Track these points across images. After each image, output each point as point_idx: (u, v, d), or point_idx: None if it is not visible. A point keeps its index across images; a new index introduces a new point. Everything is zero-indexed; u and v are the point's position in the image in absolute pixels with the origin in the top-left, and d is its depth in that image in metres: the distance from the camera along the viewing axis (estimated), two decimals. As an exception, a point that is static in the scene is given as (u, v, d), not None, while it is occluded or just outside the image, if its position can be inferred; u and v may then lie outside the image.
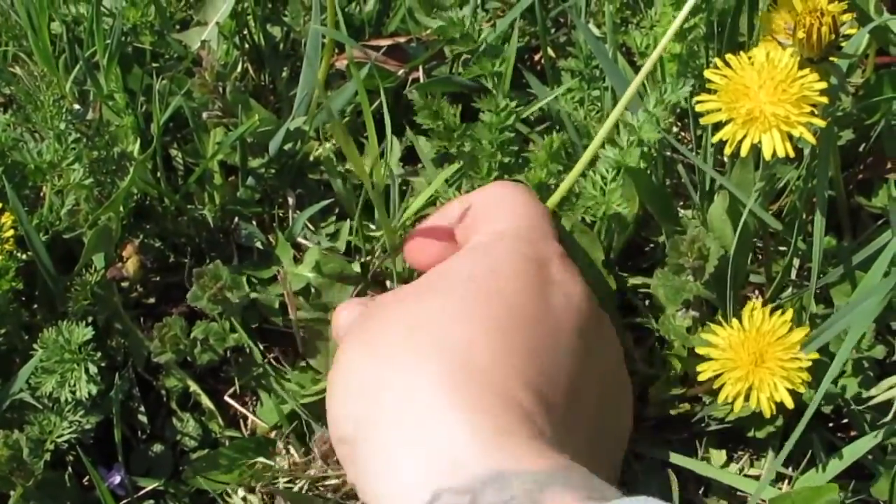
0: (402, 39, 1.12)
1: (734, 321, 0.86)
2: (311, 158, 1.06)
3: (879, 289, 0.82)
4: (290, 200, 1.03)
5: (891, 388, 0.77)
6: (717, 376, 0.84)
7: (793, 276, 0.98)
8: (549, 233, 0.85)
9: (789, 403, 0.82)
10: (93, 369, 0.87)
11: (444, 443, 0.67)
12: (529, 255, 0.81)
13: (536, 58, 1.16)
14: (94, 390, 0.88)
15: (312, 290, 0.97)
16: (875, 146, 1.02)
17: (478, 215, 0.85)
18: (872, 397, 0.80)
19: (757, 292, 0.99)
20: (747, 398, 0.82)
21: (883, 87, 0.99)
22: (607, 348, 0.86)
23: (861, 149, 1.04)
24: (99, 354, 0.88)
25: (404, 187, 1.04)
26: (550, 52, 1.13)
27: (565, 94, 1.05)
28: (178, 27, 1.13)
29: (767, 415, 0.83)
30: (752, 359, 0.83)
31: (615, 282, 0.97)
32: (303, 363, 0.99)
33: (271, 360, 1.00)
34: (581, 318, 0.80)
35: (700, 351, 0.86)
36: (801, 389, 0.83)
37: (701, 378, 0.85)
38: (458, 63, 1.12)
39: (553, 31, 1.14)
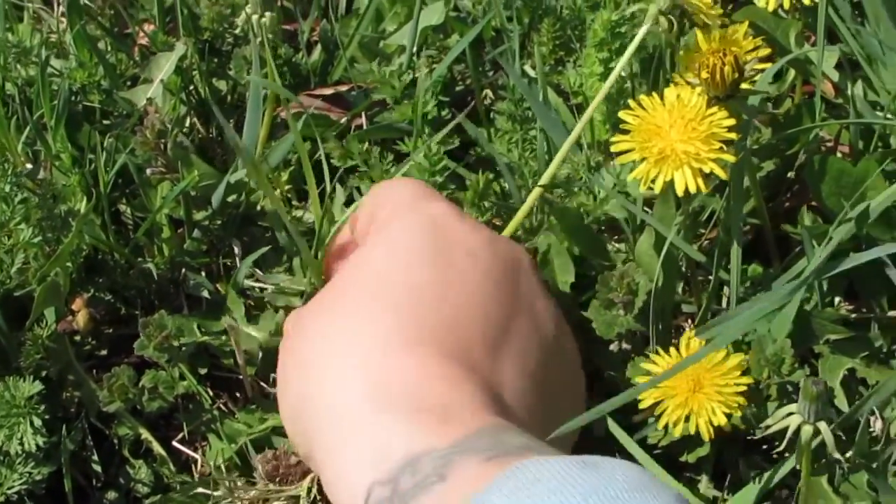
0: (344, 88, 1.15)
1: (672, 350, 0.89)
2: (259, 207, 1.09)
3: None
4: (237, 250, 1.06)
5: (787, 415, 0.80)
6: (657, 404, 0.88)
7: (723, 305, 1.00)
8: (432, 194, 0.88)
9: (727, 427, 0.86)
10: (37, 422, 0.90)
11: (367, 435, 0.70)
12: (420, 222, 0.84)
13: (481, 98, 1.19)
14: (41, 442, 0.91)
15: (257, 343, 1.00)
16: (799, 175, 1.05)
17: (373, 213, 0.89)
18: (769, 426, 0.83)
19: (690, 321, 1.02)
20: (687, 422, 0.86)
21: (802, 117, 1.02)
22: (537, 302, 0.87)
23: (789, 177, 1.07)
24: (43, 408, 0.91)
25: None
26: (492, 94, 1.16)
27: (501, 136, 1.08)
28: (129, 84, 1.17)
29: (706, 438, 0.87)
30: (691, 386, 0.87)
31: (578, 308, 1.00)
32: (252, 405, 1.02)
33: (221, 405, 1.03)
34: (492, 268, 0.83)
35: (639, 380, 0.89)
36: (738, 413, 0.87)
37: (642, 406, 0.89)
38: (399, 108, 1.15)
39: (491, 73, 1.17)
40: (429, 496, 0.63)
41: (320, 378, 0.76)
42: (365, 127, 1.13)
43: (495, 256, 0.84)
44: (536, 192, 0.95)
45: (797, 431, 0.82)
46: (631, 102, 0.89)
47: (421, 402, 0.71)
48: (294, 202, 1.10)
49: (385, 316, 0.77)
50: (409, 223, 0.84)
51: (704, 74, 0.87)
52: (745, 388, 0.87)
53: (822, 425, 0.79)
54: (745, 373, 0.89)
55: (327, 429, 0.73)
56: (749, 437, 0.91)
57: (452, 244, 0.82)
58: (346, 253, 0.91)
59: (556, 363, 0.86)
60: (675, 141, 0.86)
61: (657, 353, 0.92)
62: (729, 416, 0.87)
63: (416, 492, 0.64)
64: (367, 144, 1.09)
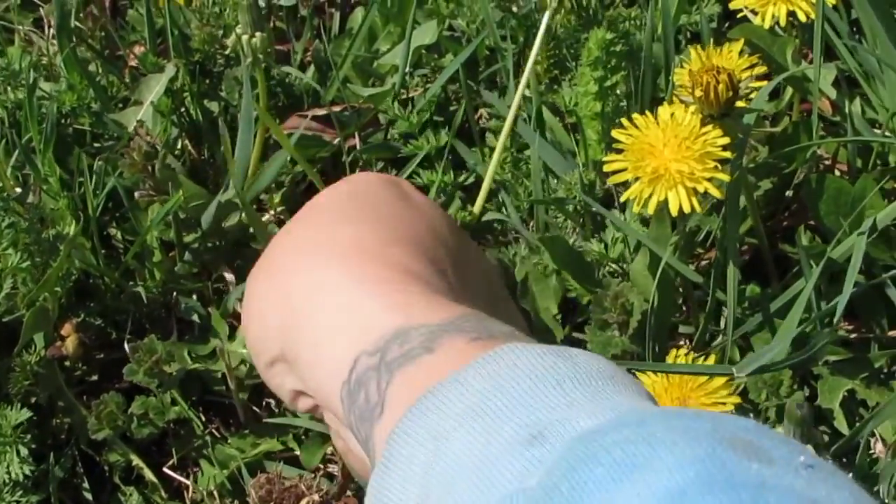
0: (337, 108, 1.14)
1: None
2: (251, 230, 1.08)
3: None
4: (228, 276, 1.05)
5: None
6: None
7: (722, 326, 0.99)
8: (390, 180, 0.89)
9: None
10: (24, 451, 0.89)
11: (358, 315, 0.71)
12: (382, 181, 0.86)
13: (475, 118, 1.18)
14: (28, 471, 0.90)
15: (248, 364, 0.99)
16: (797, 194, 1.04)
17: None
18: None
19: (688, 342, 1.00)
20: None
21: (799, 135, 1.01)
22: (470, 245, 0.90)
23: (787, 195, 1.05)
24: (30, 437, 0.90)
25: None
26: (486, 113, 1.15)
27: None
28: (120, 106, 1.16)
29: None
30: (677, 406, 0.85)
31: (562, 331, 0.99)
32: (245, 430, 1.01)
33: (213, 430, 1.02)
34: (440, 216, 0.85)
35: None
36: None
37: None
38: (392, 128, 1.14)
39: (487, 92, 1.16)
40: (415, 366, 0.65)
41: (302, 272, 0.77)
42: (358, 147, 1.12)
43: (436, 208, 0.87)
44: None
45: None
46: (624, 121, 0.88)
47: (407, 286, 0.73)
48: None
49: (361, 222, 0.79)
50: (371, 182, 0.86)
51: (698, 93, 0.86)
52: (732, 408, 0.85)
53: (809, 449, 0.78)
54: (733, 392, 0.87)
55: (311, 314, 0.74)
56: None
57: (407, 196, 0.85)
58: None
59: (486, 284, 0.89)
60: (669, 160, 0.85)
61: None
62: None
63: (402, 361, 0.65)
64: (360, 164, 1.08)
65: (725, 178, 0.85)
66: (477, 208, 1.02)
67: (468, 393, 0.59)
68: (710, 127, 0.86)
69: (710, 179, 0.85)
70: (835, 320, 0.90)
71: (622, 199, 0.88)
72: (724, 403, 0.85)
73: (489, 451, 0.54)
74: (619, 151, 0.87)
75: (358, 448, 0.70)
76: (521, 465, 0.53)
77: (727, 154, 0.85)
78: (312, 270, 0.76)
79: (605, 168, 0.87)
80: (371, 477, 0.61)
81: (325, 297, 0.74)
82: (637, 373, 0.88)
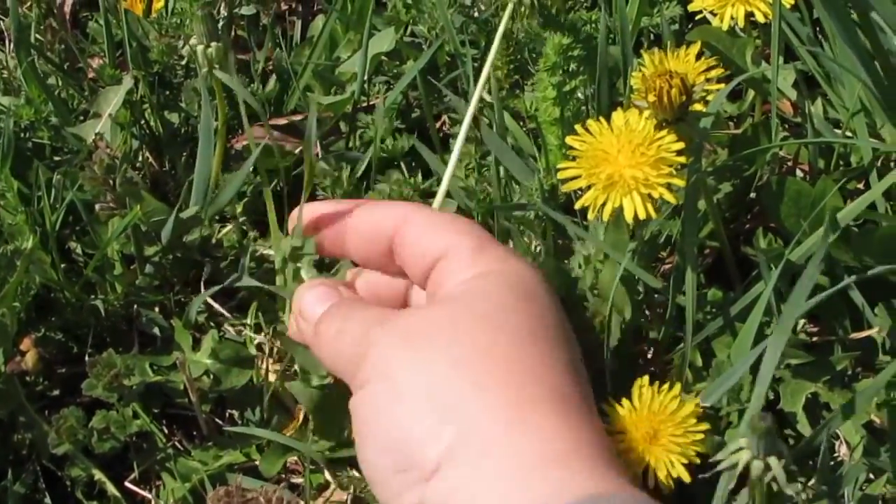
0: (298, 118, 1.14)
1: (625, 401, 0.86)
2: (213, 241, 1.07)
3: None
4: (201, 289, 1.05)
5: (737, 450, 0.78)
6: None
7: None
8: (496, 247, 0.82)
9: (686, 478, 0.83)
10: (-19, 468, 0.89)
11: (536, 466, 0.69)
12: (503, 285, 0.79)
13: (438, 125, 1.18)
14: (-14, 488, 0.89)
15: (211, 375, 0.98)
16: (759, 196, 1.03)
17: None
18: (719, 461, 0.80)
19: (653, 348, 1.00)
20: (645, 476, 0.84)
21: (759, 137, 1.01)
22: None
23: (750, 198, 1.05)
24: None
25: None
26: (448, 119, 1.15)
27: (459, 162, 1.07)
28: (81, 118, 1.15)
29: (667, 491, 0.84)
30: (647, 437, 0.84)
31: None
32: (208, 443, 1.00)
33: (175, 443, 1.01)
34: (553, 299, 0.80)
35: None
36: (696, 461, 0.84)
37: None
38: (353, 137, 1.14)
39: (447, 98, 1.15)
40: None
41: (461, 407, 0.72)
42: (320, 156, 1.12)
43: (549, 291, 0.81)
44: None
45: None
46: (578, 128, 0.87)
47: (567, 455, 0.70)
48: (252, 234, 1.09)
49: (496, 356, 0.74)
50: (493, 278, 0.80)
51: (651, 98, 0.85)
52: (702, 436, 0.85)
53: (773, 460, 0.77)
54: (700, 418, 0.86)
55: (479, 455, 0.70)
56: (702, 476, 0.88)
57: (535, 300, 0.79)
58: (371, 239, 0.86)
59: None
60: (624, 166, 0.84)
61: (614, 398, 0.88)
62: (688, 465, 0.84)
63: None
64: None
65: (681, 183, 0.85)
66: (437, 204, 1.01)
67: None
68: (664, 132, 0.85)
69: (665, 185, 0.84)
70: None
71: (577, 206, 0.87)
72: (694, 432, 0.85)
73: None
74: (574, 158, 0.86)
75: None
76: None
77: (682, 159, 0.85)
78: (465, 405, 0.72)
79: (560, 175, 0.87)
80: None
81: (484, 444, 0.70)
82: (606, 406, 0.87)
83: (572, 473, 0.69)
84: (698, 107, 0.90)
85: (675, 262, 0.99)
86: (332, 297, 0.83)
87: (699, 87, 0.88)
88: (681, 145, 0.85)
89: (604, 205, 0.85)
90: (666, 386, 0.86)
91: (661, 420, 0.85)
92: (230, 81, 1.02)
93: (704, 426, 0.85)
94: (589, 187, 0.85)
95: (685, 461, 0.83)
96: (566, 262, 0.97)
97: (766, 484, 0.77)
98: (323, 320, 0.81)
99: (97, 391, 0.95)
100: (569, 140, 0.87)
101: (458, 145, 0.96)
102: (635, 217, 0.84)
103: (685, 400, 0.86)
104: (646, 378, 0.87)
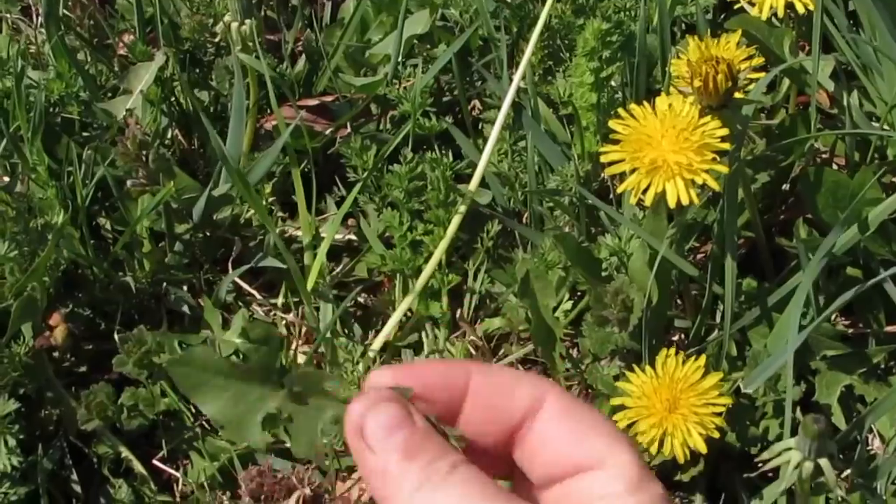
0: (329, 99, 1.13)
1: (648, 368, 0.86)
2: (242, 220, 1.07)
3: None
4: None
5: (785, 450, 0.77)
6: (631, 424, 0.84)
7: (717, 320, 0.98)
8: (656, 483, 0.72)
9: (702, 448, 0.82)
10: (12, 442, 0.88)
11: None
12: None
13: (469, 108, 1.17)
14: (17, 462, 0.89)
15: (241, 355, 0.98)
16: (794, 187, 1.03)
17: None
18: (766, 461, 0.79)
19: (684, 336, 0.99)
20: (662, 444, 0.83)
21: (797, 128, 1.00)
22: None
23: (784, 189, 1.04)
24: (18, 427, 0.89)
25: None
26: (479, 104, 1.14)
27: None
28: (109, 95, 1.14)
29: (681, 460, 0.83)
30: (666, 406, 0.84)
31: (561, 328, 0.97)
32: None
33: (203, 422, 1.00)
34: None
35: (614, 401, 0.86)
36: (715, 434, 0.83)
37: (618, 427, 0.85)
38: (384, 119, 1.13)
39: (479, 83, 1.15)
40: None
41: None
42: (351, 137, 1.11)
43: None
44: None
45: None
46: (621, 111, 0.87)
47: None
48: (279, 214, 1.08)
49: None
50: None
51: (697, 83, 0.84)
52: (722, 408, 0.84)
53: (824, 462, 0.76)
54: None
55: None
56: (747, 476, 0.87)
57: None
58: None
59: None
60: (667, 151, 0.83)
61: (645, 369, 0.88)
62: (706, 437, 0.83)
63: None
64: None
65: (724, 169, 0.84)
66: (472, 186, 1.00)
67: None
68: (708, 118, 0.85)
69: (708, 171, 0.83)
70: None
71: (619, 191, 0.86)
72: (714, 404, 0.84)
73: None
74: (616, 142, 0.86)
75: None
76: None
77: (726, 146, 0.84)
78: None
79: (602, 158, 0.86)
80: None
81: None
82: (628, 373, 0.87)
83: None
84: (737, 95, 0.89)
85: (710, 250, 0.98)
86: (402, 426, 0.62)
87: (742, 75, 0.87)
88: (725, 131, 0.84)
89: (646, 189, 0.84)
90: (692, 358, 0.85)
91: (682, 389, 0.84)
92: (255, 62, 1.02)
93: (727, 399, 0.84)
94: (631, 172, 0.85)
95: (703, 432, 0.82)
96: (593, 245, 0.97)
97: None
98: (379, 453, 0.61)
99: (128, 367, 0.95)
100: (612, 124, 0.86)
101: (495, 130, 0.96)
102: (677, 203, 0.83)
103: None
104: (672, 349, 0.86)
